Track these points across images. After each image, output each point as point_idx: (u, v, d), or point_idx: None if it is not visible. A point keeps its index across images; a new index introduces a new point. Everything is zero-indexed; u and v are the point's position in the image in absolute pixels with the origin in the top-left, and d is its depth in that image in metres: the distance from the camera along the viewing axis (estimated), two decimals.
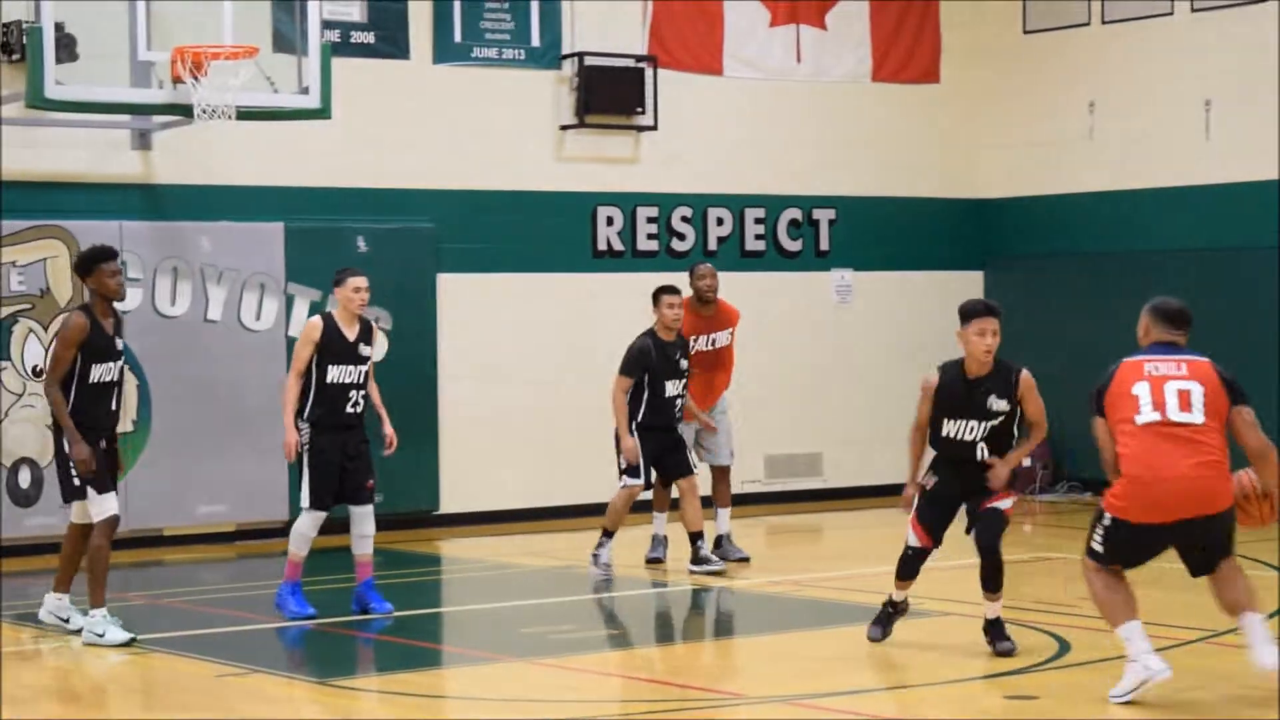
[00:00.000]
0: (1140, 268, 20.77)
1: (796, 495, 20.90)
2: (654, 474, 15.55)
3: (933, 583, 14.72)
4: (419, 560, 17.18)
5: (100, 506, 12.51)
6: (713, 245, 20.74)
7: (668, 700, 10.92)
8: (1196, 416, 10.44)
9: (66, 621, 13.01)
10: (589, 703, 10.85)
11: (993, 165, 22.17)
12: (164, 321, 17.43)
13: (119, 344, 12.74)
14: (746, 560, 16.03)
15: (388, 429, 13.73)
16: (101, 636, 12.45)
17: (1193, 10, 20.44)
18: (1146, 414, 10.46)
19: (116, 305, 12.85)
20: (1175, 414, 10.43)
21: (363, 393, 13.54)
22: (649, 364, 15.35)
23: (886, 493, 21.15)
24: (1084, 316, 21.19)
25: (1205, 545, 10.49)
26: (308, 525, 13.36)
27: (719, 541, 16.11)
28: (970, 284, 22.11)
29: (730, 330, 16.32)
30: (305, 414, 13.34)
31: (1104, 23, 21.27)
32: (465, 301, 18.98)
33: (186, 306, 17.67)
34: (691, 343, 15.91)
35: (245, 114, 15.77)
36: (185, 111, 15.67)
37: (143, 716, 10.98)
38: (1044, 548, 17.31)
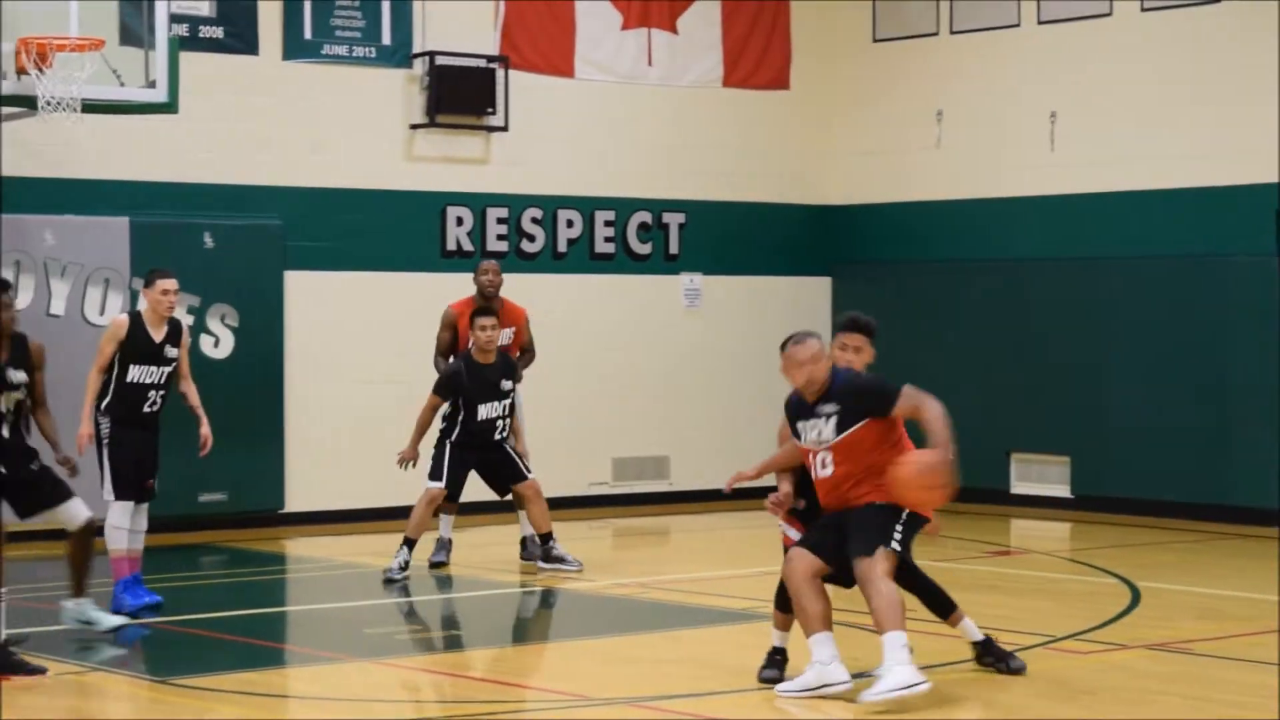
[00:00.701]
0: (985, 275, 20.99)
1: (644, 498, 20.94)
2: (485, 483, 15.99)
3: (770, 585, 14.82)
4: (264, 559, 17.10)
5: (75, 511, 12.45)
6: (562, 247, 20.74)
7: (508, 700, 10.93)
8: None
9: (91, 623, 12.75)
10: (430, 703, 10.83)
11: (841, 172, 22.31)
12: None
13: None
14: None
15: (204, 429, 13.86)
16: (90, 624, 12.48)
17: (1039, 22, 20.66)
18: None
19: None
20: None
21: (163, 393, 13.71)
22: (459, 386, 15.49)
23: (734, 496, 21.28)
24: (929, 323, 21.37)
25: None
26: (119, 517, 13.54)
27: (524, 543, 16.25)
28: (818, 290, 22.25)
29: (512, 330, 16.27)
30: (104, 408, 13.60)
31: (952, 32, 21.45)
32: (313, 299, 18.88)
33: (29, 300, 17.47)
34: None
35: (91, 107, 15.59)
36: (29, 103, 15.46)
37: None
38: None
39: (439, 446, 15.70)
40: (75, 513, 12.39)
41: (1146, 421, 19.64)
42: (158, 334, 13.60)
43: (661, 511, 20.65)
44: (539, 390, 20.03)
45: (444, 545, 16.06)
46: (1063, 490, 20.32)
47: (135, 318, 13.62)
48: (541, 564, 15.64)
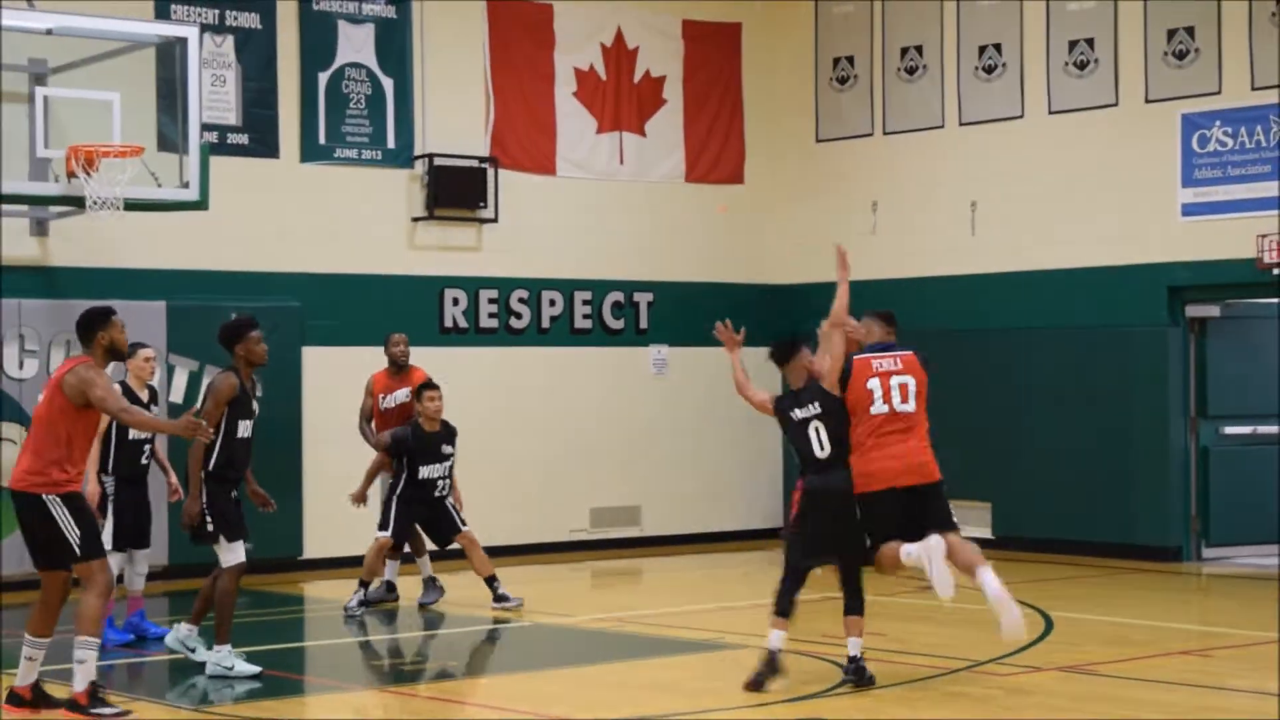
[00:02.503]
0: (915, 344, 21.02)
1: (618, 543, 20.94)
2: (424, 534, 16.09)
3: (731, 618, 14.87)
4: (284, 600, 17.06)
5: (231, 554, 12.33)
6: (546, 323, 20.79)
7: None
8: (911, 405, 11.78)
9: (193, 651, 12.85)
10: None
11: (788, 255, 22.37)
12: None
13: (255, 405, 12.83)
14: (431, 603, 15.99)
15: (171, 479, 14.12)
16: (230, 669, 12.26)
17: (961, 123, 20.79)
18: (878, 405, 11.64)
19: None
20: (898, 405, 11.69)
21: (151, 447, 13.95)
22: (405, 448, 15.65)
23: (699, 540, 21.35)
24: None
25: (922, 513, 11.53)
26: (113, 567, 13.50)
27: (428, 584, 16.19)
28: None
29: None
30: (109, 468, 13.68)
31: (885, 133, 21.58)
32: (327, 371, 18.90)
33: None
34: (382, 399, 16.28)
35: (132, 205, 15.68)
36: (78, 203, 15.55)
37: None
38: (830, 588, 17.39)
39: (386, 501, 15.86)
40: (236, 554, 12.35)
41: (1059, 470, 19.71)
42: (143, 395, 13.84)
43: (634, 555, 20.65)
44: (525, 447, 20.16)
45: (430, 584, 16.09)
46: (985, 531, 20.32)
47: (123, 385, 13.55)
48: (493, 605, 15.60)
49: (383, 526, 15.68)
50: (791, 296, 22.34)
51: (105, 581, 10.85)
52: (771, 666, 11.48)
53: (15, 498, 10.86)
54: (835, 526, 11.62)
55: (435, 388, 15.82)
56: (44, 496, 10.72)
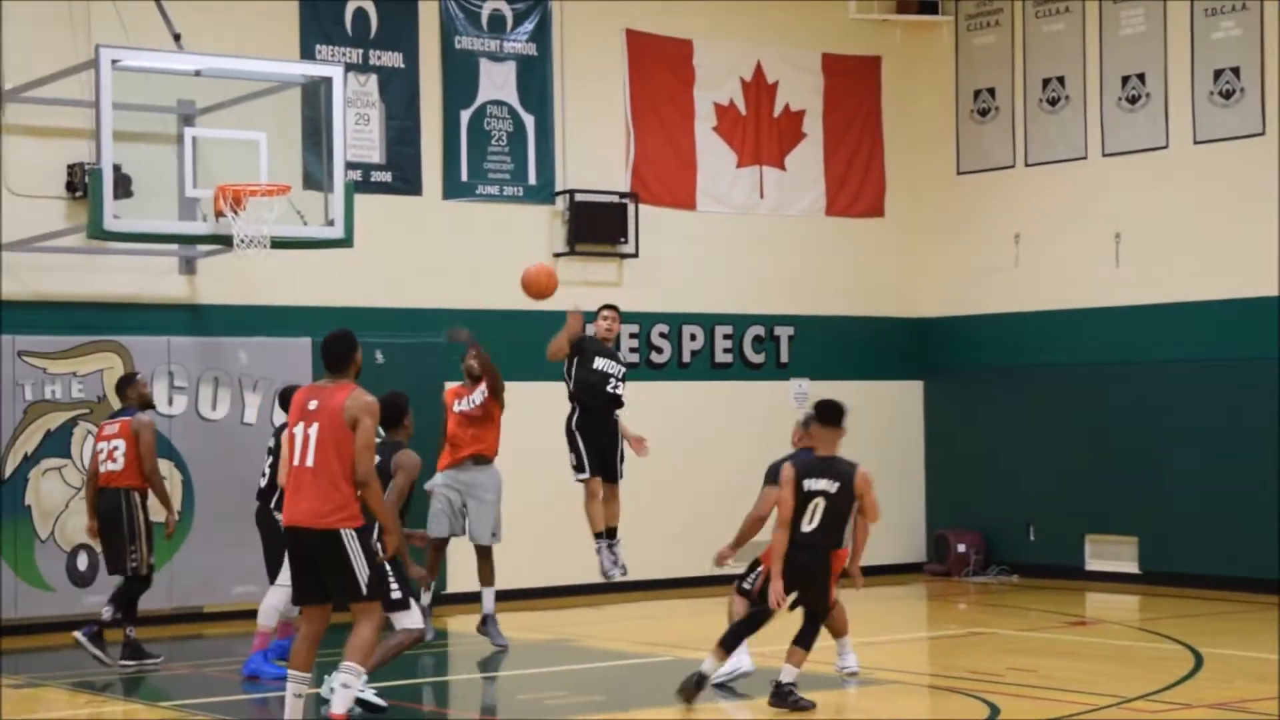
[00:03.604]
0: (1059, 378, 20.86)
1: None
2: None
3: (876, 653, 14.77)
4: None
5: (410, 620, 12.01)
6: (686, 358, 20.80)
7: None
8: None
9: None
10: None
11: (930, 288, 22.27)
12: (206, 424, 17.43)
13: None
14: (504, 648, 15.40)
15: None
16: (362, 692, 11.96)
17: (1104, 155, 20.58)
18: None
19: None
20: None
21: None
22: (581, 346, 15.26)
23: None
24: (1010, 420, 21.27)
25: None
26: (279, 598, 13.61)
27: (484, 621, 15.58)
28: (911, 392, 22.20)
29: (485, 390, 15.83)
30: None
31: (1027, 165, 21.42)
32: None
33: (226, 411, 17.69)
34: (457, 404, 15.81)
35: (278, 243, 15.81)
36: (226, 241, 15.71)
37: None
38: (976, 624, 17.28)
39: (570, 440, 15.23)
40: (415, 619, 12.07)
41: (1206, 505, 19.43)
42: None
43: None
44: (667, 482, 20.10)
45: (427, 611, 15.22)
46: (1132, 567, 20.11)
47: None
48: (605, 553, 15.23)
49: (580, 469, 15.04)
50: (932, 330, 22.21)
51: (382, 617, 10.86)
52: (698, 685, 12.16)
53: (305, 535, 10.49)
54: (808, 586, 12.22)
55: (613, 308, 15.62)
56: (341, 532, 10.45)
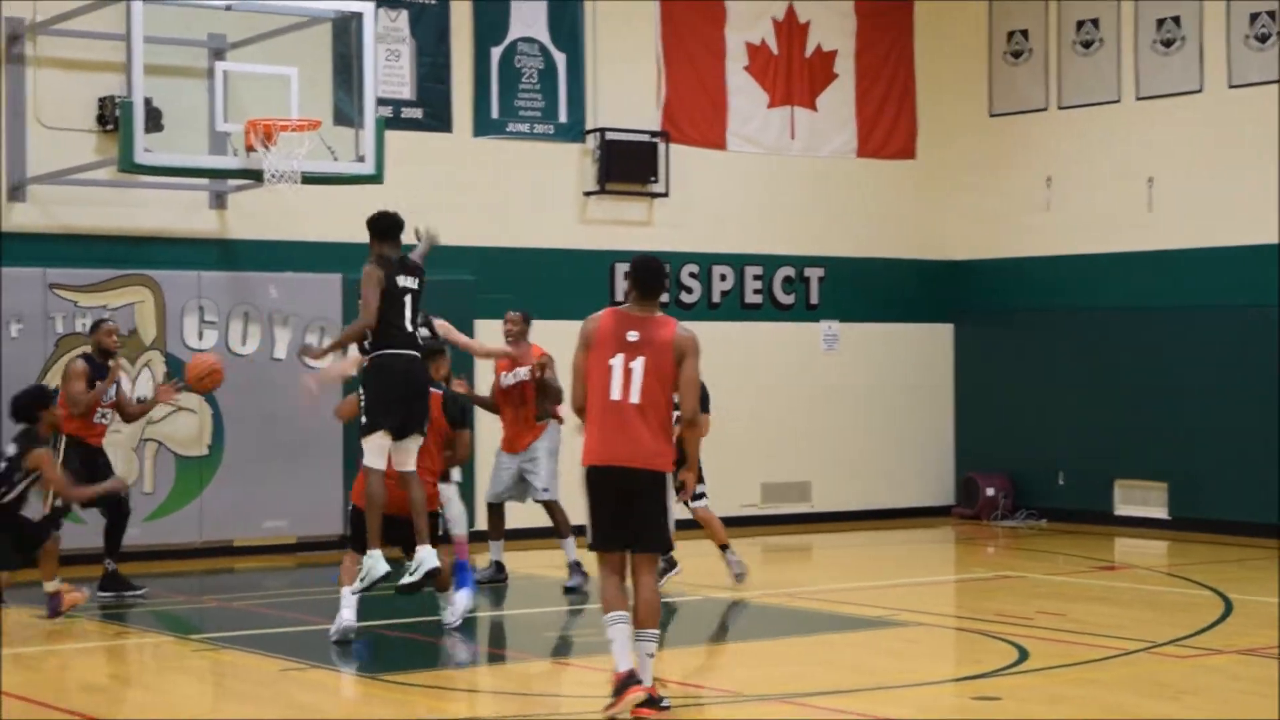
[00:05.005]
0: (1089, 322, 20.76)
1: (789, 519, 20.85)
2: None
3: (903, 595, 14.75)
4: None
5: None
6: (716, 298, 20.73)
7: (673, 697, 10.87)
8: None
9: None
10: (595, 699, 10.83)
11: (961, 231, 22.16)
12: (236, 359, 17.41)
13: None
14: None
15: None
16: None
17: (1137, 99, 20.43)
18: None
19: None
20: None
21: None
22: None
23: (869, 517, 21.20)
24: (1039, 364, 21.19)
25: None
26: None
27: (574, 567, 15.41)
28: (940, 335, 22.12)
29: (528, 368, 15.49)
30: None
31: (1060, 108, 21.27)
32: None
33: (256, 346, 17.69)
34: (503, 377, 15.58)
35: (309, 179, 15.78)
36: (256, 176, 15.68)
37: (213, 704, 10.98)
38: (1006, 567, 17.25)
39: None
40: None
41: (1236, 451, 19.34)
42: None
43: (804, 531, 20.55)
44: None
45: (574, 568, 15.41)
46: (1161, 512, 20.05)
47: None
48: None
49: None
50: (963, 272, 22.12)
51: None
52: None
53: (628, 476, 9.81)
54: None
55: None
56: (665, 475, 9.89)
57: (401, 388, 12.16)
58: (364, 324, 12.11)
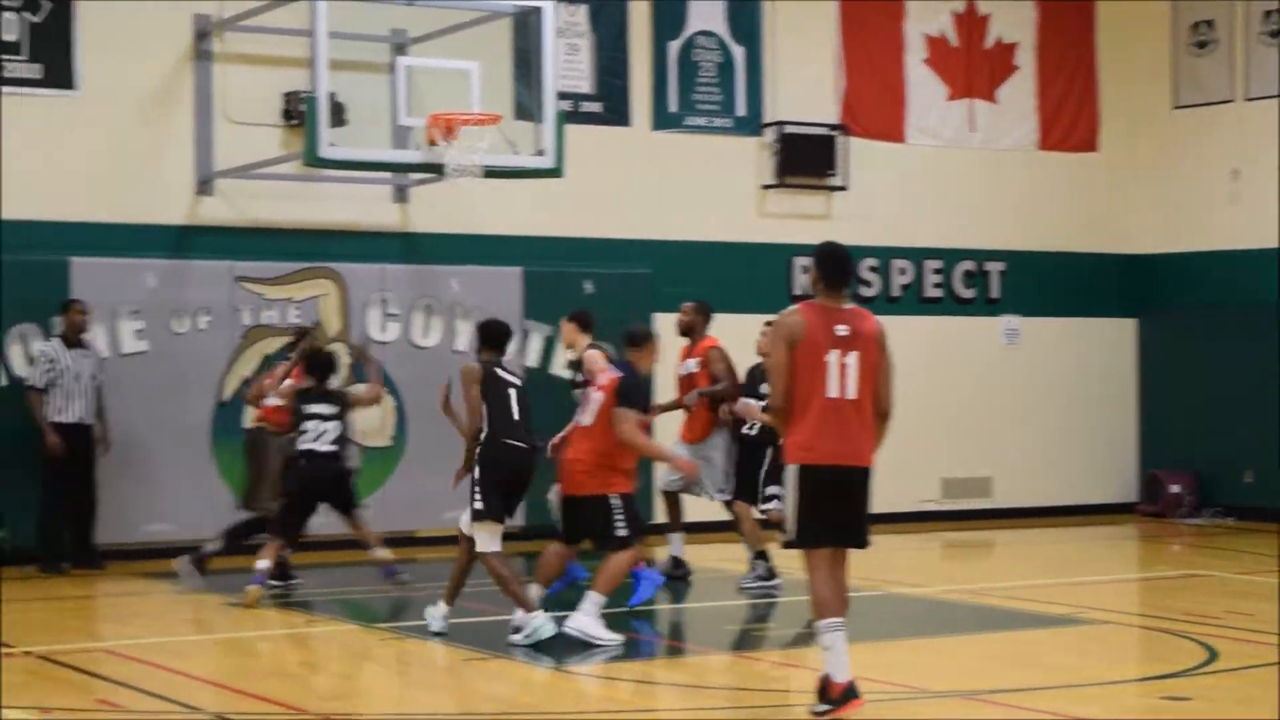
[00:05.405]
0: (1276, 318, 20.35)
1: (969, 514, 20.66)
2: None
3: (1087, 593, 14.54)
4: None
5: None
6: (896, 292, 20.60)
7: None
8: None
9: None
10: (779, 691, 10.78)
11: (1145, 225, 21.84)
12: (418, 352, 17.57)
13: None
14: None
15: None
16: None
17: None
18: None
19: None
20: None
21: None
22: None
23: (1051, 513, 20.95)
24: (1224, 360, 20.82)
25: None
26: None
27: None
28: (1124, 330, 21.82)
29: (698, 360, 15.37)
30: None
31: (1247, 99, 20.89)
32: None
33: (438, 339, 17.82)
34: (679, 368, 15.47)
35: (490, 172, 15.86)
36: (438, 170, 15.78)
37: (399, 692, 11.06)
38: (1192, 565, 16.96)
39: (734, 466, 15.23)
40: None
41: None
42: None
43: (985, 526, 20.35)
44: None
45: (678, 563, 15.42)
46: None
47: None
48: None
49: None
50: (1147, 266, 21.79)
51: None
52: None
53: (851, 475, 9.65)
54: None
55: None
56: (871, 471, 9.72)
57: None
58: None
